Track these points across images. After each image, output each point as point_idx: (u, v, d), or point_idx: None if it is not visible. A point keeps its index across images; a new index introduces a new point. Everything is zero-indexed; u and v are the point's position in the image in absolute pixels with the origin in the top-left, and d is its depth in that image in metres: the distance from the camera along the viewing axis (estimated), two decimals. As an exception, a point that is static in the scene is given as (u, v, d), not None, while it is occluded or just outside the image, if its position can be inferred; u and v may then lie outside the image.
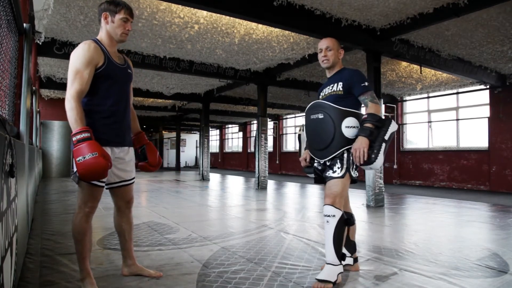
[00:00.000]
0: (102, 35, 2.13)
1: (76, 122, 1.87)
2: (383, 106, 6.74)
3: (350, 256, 2.55)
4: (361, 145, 2.22)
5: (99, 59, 2.03)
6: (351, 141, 2.29)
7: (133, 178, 2.31)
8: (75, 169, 1.89)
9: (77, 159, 1.78)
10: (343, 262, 2.35)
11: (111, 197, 2.31)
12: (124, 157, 2.22)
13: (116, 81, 2.13)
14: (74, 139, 1.83)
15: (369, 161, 2.23)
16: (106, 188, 2.22)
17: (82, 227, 2.03)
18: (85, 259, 2.04)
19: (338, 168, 2.32)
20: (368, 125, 2.25)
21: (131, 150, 2.29)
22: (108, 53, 2.10)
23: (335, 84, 2.43)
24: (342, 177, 2.30)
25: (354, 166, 2.33)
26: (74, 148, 1.82)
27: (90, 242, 2.08)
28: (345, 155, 2.32)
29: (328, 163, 2.36)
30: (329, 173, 2.34)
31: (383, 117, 2.34)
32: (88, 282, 2.03)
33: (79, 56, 1.97)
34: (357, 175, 2.38)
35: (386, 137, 2.23)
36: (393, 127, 2.27)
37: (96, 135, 1.93)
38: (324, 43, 2.51)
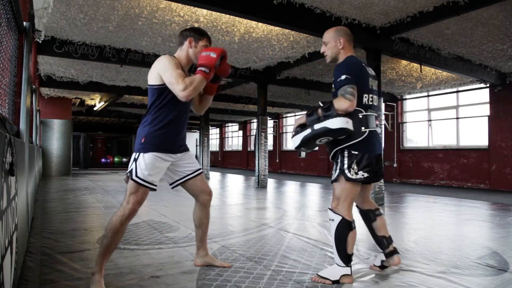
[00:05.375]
0: (181, 55, 2.36)
1: (200, 79, 2.15)
2: (382, 105, 6.72)
3: (382, 252, 2.49)
4: (296, 120, 2.35)
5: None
6: (341, 141, 2.22)
7: (201, 169, 2.48)
8: (129, 170, 2.15)
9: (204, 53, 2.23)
10: (351, 264, 2.29)
11: (192, 194, 2.49)
12: (182, 157, 2.39)
13: None
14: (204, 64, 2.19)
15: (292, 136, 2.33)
16: (178, 184, 2.40)
17: (120, 225, 2.12)
18: (106, 256, 2.12)
19: (334, 170, 2.30)
20: (318, 109, 2.22)
21: (189, 153, 2.46)
22: (185, 72, 2.32)
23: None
24: (335, 180, 2.27)
25: (354, 166, 2.20)
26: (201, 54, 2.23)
27: (118, 242, 2.16)
28: (339, 156, 2.26)
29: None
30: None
31: (340, 113, 2.14)
32: (97, 279, 2.07)
33: (168, 63, 2.17)
34: (363, 176, 2.21)
35: (316, 127, 2.16)
36: (334, 123, 2.11)
37: (158, 143, 2.18)
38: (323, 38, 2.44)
